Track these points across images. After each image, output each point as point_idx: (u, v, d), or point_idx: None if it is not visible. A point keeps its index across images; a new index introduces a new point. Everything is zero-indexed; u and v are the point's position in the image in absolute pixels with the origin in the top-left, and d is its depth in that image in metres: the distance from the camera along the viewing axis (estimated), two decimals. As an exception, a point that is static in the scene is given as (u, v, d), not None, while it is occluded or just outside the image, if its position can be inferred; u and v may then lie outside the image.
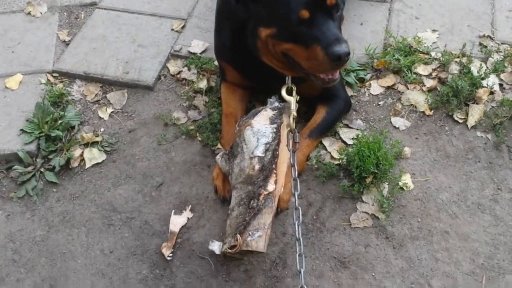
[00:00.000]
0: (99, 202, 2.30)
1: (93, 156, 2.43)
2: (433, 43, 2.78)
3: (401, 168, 2.33)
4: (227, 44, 2.35)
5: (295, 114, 2.13)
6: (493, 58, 2.67)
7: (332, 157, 2.35)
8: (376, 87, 2.62)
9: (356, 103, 2.59)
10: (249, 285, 2.05)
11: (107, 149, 2.47)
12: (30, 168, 2.38)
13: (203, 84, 2.62)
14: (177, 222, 2.22)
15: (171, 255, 2.12)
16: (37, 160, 2.41)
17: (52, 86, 2.66)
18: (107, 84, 2.70)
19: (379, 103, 2.58)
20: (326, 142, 2.40)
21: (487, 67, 2.62)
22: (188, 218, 2.23)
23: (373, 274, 2.05)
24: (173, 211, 2.23)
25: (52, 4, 3.10)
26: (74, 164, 2.41)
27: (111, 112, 2.60)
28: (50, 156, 2.41)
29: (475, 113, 2.46)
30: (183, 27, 2.92)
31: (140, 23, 2.96)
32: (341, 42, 1.94)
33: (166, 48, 2.81)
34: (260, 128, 2.08)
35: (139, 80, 2.68)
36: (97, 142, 2.47)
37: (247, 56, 2.24)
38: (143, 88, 2.67)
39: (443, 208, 2.21)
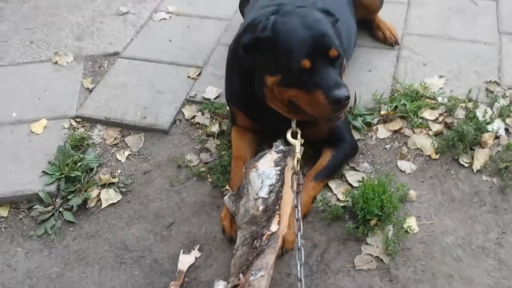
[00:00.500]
0: (113, 241, 2.40)
1: (109, 196, 2.55)
2: (439, 88, 2.85)
3: (406, 211, 2.37)
4: (236, 91, 2.48)
5: (299, 157, 2.21)
6: (499, 103, 2.72)
7: (338, 199, 2.41)
8: (383, 131, 2.69)
9: (363, 146, 2.66)
10: None
11: (123, 189, 2.58)
12: (49, 208, 2.51)
13: (215, 128, 2.74)
14: (185, 261, 2.29)
15: (178, 292, 2.20)
16: (57, 200, 2.53)
17: (74, 131, 2.81)
18: (126, 128, 2.84)
19: (386, 146, 2.65)
20: (332, 184, 2.47)
21: (492, 112, 2.67)
22: (196, 257, 2.30)
23: (376, 316, 2.08)
24: (182, 250, 2.31)
25: (77, 54, 3.30)
26: (91, 204, 2.53)
27: (128, 155, 2.73)
28: (69, 197, 2.53)
29: (481, 157, 2.50)
30: (198, 75, 3.07)
31: (159, 71, 3.12)
32: (341, 87, 2.05)
33: (182, 94, 2.95)
34: (265, 170, 2.17)
35: (155, 124, 2.81)
36: (113, 183, 2.59)
37: (255, 102, 2.36)
38: (159, 132, 2.80)
39: (447, 251, 2.23)
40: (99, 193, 2.55)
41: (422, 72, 2.97)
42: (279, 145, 2.27)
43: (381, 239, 2.24)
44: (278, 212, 2.10)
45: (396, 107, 2.74)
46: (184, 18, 3.53)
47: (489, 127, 2.58)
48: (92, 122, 2.88)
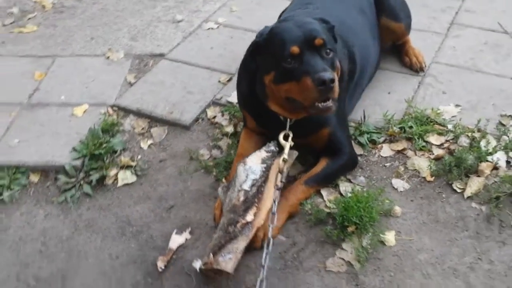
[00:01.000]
0: (119, 215, 2.67)
1: (125, 177, 2.83)
2: (452, 116, 2.90)
3: (388, 225, 2.46)
4: (245, 94, 2.69)
5: (285, 157, 2.39)
6: (508, 136, 2.74)
7: (326, 206, 2.54)
8: (386, 150, 2.79)
9: (364, 161, 2.77)
10: None
11: (138, 173, 2.86)
12: (72, 180, 2.83)
13: (229, 129, 2.97)
14: (176, 240, 2.51)
15: (163, 267, 2.41)
16: (80, 174, 2.85)
17: (108, 117, 3.14)
18: (154, 120, 3.13)
19: (386, 164, 2.75)
20: (324, 191, 2.60)
21: (498, 143, 2.70)
22: (186, 239, 2.51)
23: (333, 315, 2.19)
24: (175, 231, 2.53)
25: (128, 52, 3.66)
26: (109, 181, 2.82)
27: (150, 144, 3.00)
28: (91, 172, 2.84)
29: (474, 184, 2.54)
30: (228, 80, 3.31)
31: (194, 73, 3.40)
32: (326, 70, 2.22)
33: (209, 96, 3.21)
34: (251, 165, 2.36)
35: (179, 120, 3.08)
36: (131, 166, 2.87)
37: (260, 105, 2.56)
38: (182, 127, 3.06)
39: (418, 267, 2.30)
40: (117, 173, 2.84)
41: (439, 100, 3.04)
42: (270, 145, 2.46)
43: (356, 246, 2.35)
44: (256, 205, 2.28)
45: (403, 128, 2.83)
46: (230, 29, 3.81)
47: (490, 158, 2.61)
48: (126, 111, 3.20)
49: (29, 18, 4.17)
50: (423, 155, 2.73)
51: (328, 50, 2.31)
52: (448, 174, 2.61)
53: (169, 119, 3.09)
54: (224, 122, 3.03)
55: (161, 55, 3.60)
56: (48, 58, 3.68)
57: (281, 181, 2.34)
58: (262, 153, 2.41)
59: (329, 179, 2.62)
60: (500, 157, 2.62)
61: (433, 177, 2.63)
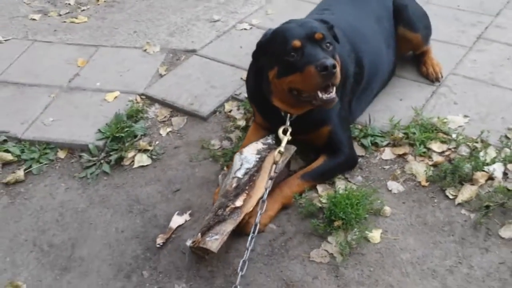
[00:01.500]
0: (131, 193, 2.89)
1: (141, 159, 3.06)
2: (459, 126, 2.94)
3: (375, 223, 2.55)
4: (252, 90, 2.85)
5: (281, 150, 2.53)
6: (509, 149, 2.75)
7: (319, 201, 2.66)
8: (388, 153, 2.87)
9: (365, 163, 2.86)
10: (210, 283, 2.42)
11: (154, 157, 3.07)
12: (94, 158, 3.08)
13: (241, 122, 3.13)
14: (177, 221, 2.70)
15: (161, 244, 2.60)
16: (102, 153, 3.10)
17: (135, 104, 3.38)
18: (176, 110, 3.34)
19: (385, 167, 2.83)
20: (320, 187, 2.72)
21: (499, 155, 2.72)
22: (186, 220, 2.70)
23: (309, 301, 2.31)
24: (177, 212, 2.72)
25: (164, 46, 3.90)
26: (126, 162, 3.05)
27: (169, 131, 3.22)
28: (111, 153, 3.09)
29: (466, 192, 2.58)
30: (250, 78, 3.49)
31: (220, 70, 3.60)
32: (328, 58, 2.34)
33: (230, 91, 3.39)
34: (247, 155, 2.52)
35: (198, 111, 3.28)
36: (148, 150, 3.09)
37: (266, 101, 2.71)
38: (199, 117, 3.26)
39: (398, 265, 2.38)
40: (135, 155, 3.07)
41: (449, 109, 3.08)
42: (268, 138, 2.61)
43: (340, 240, 2.45)
44: (246, 192, 2.44)
45: (407, 134, 2.90)
46: (262, 30, 3.96)
47: (487, 168, 2.65)
48: (152, 100, 3.44)
49: (82, 10, 4.52)
50: (422, 160, 2.79)
51: (328, 44, 2.46)
52: (443, 181, 2.66)
53: (189, 110, 3.30)
54: (238, 116, 3.20)
55: (193, 51, 3.82)
56: (92, 47, 3.99)
57: (274, 172, 2.48)
58: (258, 145, 2.56)
59: (325, 176, 2.73)
60: (497, 168, 2.64)
61: (428, 182, 2.69)
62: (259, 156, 2.51)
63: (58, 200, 2.93)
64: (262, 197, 2.45)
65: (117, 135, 3.13)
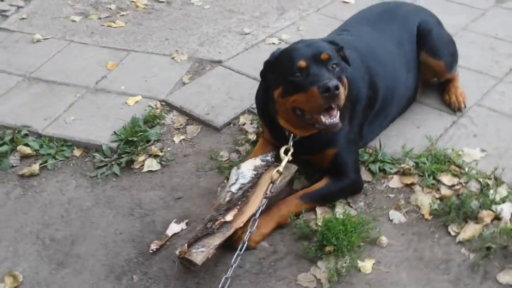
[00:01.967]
0: (135, 197, 2.93)
1: (151, 164, 3.09)
2: (473, 160, 2.82)
3: (370, 253, 2.47)
4: (260, 107, 2.84)
5: (280, 169, 2.50)
6: (523, 189, 2.62)
7: (315, 223, 2.61)
8: (396, 181, 2.79)
9: (370, 189, 2.79)
10: None
11: (163, 163, 3.11)
12: (106, 159, 3.15)
13: (252, 136, 3.13)
14: (173, 229, 2.72)
15: (155, 250, 2.62)
16: (114, 155, 3.16)
17: (154, 110, 3.44)
18: (192, 118, 3.37)
19: (390, 195, 2.75)
20: (319, 210, 2.67)
21: (510, 194, 2.59)
22: (182, 229, 2.71)
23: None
24: (174, 220, 2.74)
25: (191, 55, 3.95)
26: (136, 166, 3.10)
27: (182, 139, 3.25)
28: (123, 155, 3.14)
29: (469, 230, 2.47)
30: (269, 92, 3.47)
31: (240, 82, 3.61)
32: (331, 79, 2.31)
33: (247, 104, 3.39)
34: (244, 170, 2.51)
35: (213, 121, 3.29)
36: (159, 156, 3.13)
37: (272, 119, 2.70)
38: (213, 128, 3.28)
39: (386, 299, 2.30)
40: (145, 159, 3.11)
41: (467, 142, 2.96)
42: (268, 155, 2.59)
43: (330, 267, 2.39)
44: (238, 207, 2.43)
45: (417, 163, 2.81)
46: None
47: (494, 207, 2.52)
48: (171, 107, 3.48)
49: (121, 15, 4.64)
50: (429, 192, 2.69)
51: (334, 65, 2.43)
52: (447, 216, 2.56)
53: (204, 119, 3.32)
54: (250, 129, 3.20)
55: (219, 62, 3.85)
56: (124, 51, 4.09)
57: (270, 191, 2.46)
58: (257, 161, 2.55)
59: (325, 199, 2.68)
60: (505, 208, 2.52)
61: (432, 216, 2.59)
62: (255, 172, 2.50)
63: (67, 197, 3.00)
64: (254, 214, 2.43)
65: (131, 138, 3.18)
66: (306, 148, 2.68)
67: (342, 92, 2.35)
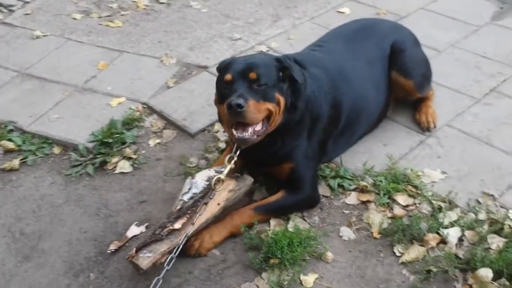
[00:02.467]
0: (103, 197, 3.05)
1: (123, 166, 3.20)
2: (432, 182, 2.85)
3: (314, 267, 2.54)
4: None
5: (222, 177, 2.59)
6: (475, 215, 2.64)
7: (267, 235, 2.67)
8: (353, 198, 2.84)
9: (327, 204, 2.85)
10: None
11: (135, 165, 3.22)
12: (82, 159, 3.27)
13: (222, 144, 3.21)
14: (133, 231, 2.83)
15: (113, 250, 2.74)
16: (89, 155, 3.28)
17: (134, 112, 3.55)
18: (169, 123, 3.47)
19: (345, 211, 2.80)
20: (273, 222, 2.74)
21: (461, 219, 2.61)
22: (141, 232, 2.82)
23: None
24: (136, 222, 2.85)
25: (180, 59, 4.05)
26: (109, 167, 3.22)
27: (157, 143, 3.35)
28: (98, 156, 3.26)
29: (413, 252, 2.51)
30: (246, 101, 3.54)
31: (222, 89, 3.68)
32: (239, 98, 2.42)
33: (223, 112, 3.47)
34: (197, 181, 2.59)
35: (188, 127, 3.38)
36: (132, 158, 3.24)
37: None
38: (188, 134, 3.37)
39: (322, 314, 2.37)
40: (118, 161, 3.23)
41: (430, 163, 2.99)
42: (222, 167, 2.66)
43: (273, 279, 2.47)
44: (187, 216, 2.51)
45: (375, 181, 2.85)
46: (278, 54, 4.01)
47: (442, 230, 2.55)
48: (152, 110, 3.58)
49: (121, 15, 4.75)
50: (383, 211, 2.74)
51: (261, 85, 2.51)
52: (394, 236, 2.60)
53: (180, 125, 3.42)
54: (222, 137, 3.27)
55: (205, 67, 3.94)
56: (116, 52, 4.21)
57: (209, 197, 2.55)
58: (211, 172, 2.63)
59: (280, 212, 2.75)
60: (452, 233, 2.54)
61: (380, 235, 2.64)
62: (208, 183, 2.58)
63: (41, 193, 3.14)
64: (205, 223, 2.53)
65: (106, 140, 3.30)
66: (264, 160, 2.75)
67: (250, 111, 2.44)
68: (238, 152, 2.62)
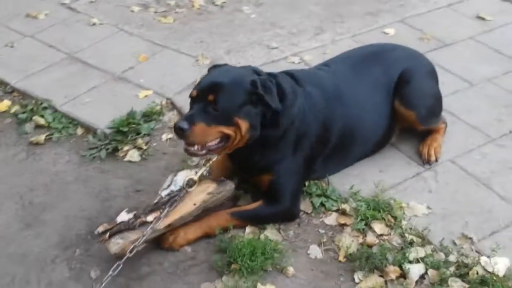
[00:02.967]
0: (107, 182, 3.27)
1: (133, 155, 3.42)
2: (414, 215, 2.82)
3: (274, 280, 2.61)
4: None
5: (195, 178, 2.72)
6: (444, 256, 2.59)
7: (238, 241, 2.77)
8: (332, 219, 2.87)
9: (306, 220, 2.90)
10: (114, 280, 2.66)
11: (144, 156, 3.42)
12: (98, 143, 3.52)
13: (223, 148, 3.33)
14: (122, 217, 2.96)
15: (100, 232, 2.93)
16: (105, 140, 3.53)
17: (156, 106, 3.76)
18: (186, 121, 3.65)
19: (321, 230, 2.84)
20: (249, 229, 2.83)
21: (428, 257, 2.58)
22: (129, 219, 3.00)
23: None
24: (126, 209, 3.02)
25: (214, 61, 4.17)
26: (120, 154, 3.44)
27: (169, 138, 3.53)
28: (112, 142, 3.50)
29: (370, 281, 2.52)
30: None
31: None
32: (184, 120, 2.56)
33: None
34: (178, 179, 2.74)
35: (199, 127, 3.54)
36: (142, 149, 3.45)
37: None
38: (198, 133, 3.53)
39: (269, 326, 2.44)
40: (129, 150, 3.45)
41: (418, 196, 2.94)
42: (203, 169, 2.78)
43: (231, 284, 2.56)
44: (161, 210, 2.67)
45: (356, 206, 2.86)
46: (307, 67, 4.08)
47: (406, 265, 2.53)
48: (173, 106, 3.77)
49: (175, 12, 5.00)
50: (356, 236, 2.75)
51: (218, 108, 2.57)
52: (358, 262, 2.61)
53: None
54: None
55: (237, 71, 4.08)
56: (159, 47, 4.45)
57: (177, 196, 2.69)
58: (191, 172, 2.77)
59: (255, 221, 2.83)
60: (415, 269, 2.52)
61: (345, 259, 2.66)
62: (187, 183, 2.72)
63: (56, 169, 3.42)
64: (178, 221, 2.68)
65: (122, 128, 3.53)
66: (247, 168, 2.86)
67: (194, 135, 2.56)
68: (216, 157, 2.75)
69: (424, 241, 2.67)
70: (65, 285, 2.72)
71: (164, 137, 3.55)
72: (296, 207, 2.87)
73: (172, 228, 2.76)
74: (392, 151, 3.25)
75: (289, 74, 2.91)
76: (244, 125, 2.61)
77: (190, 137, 2.57)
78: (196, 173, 2.77)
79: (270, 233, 2.81)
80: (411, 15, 4.74)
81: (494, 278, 2.46)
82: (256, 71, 2.76)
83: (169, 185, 2.74)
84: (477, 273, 2.48)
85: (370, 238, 2.73)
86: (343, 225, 2.84)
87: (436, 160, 3.13)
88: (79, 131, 3.66)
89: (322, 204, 2.93)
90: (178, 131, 2.56)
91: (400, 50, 3.27)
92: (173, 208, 2.69)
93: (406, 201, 2.90)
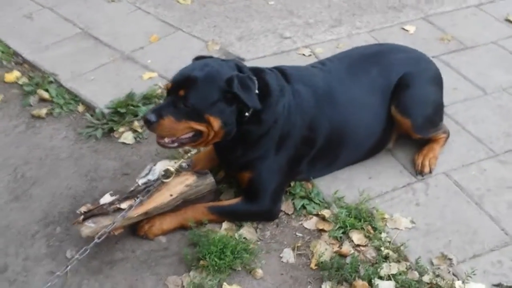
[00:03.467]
0: (98, 162, 3.29)
1: (127, 137, 3.42)
2: (395, 228, 2.72)
3: (241, 280, 2.58)
4: None
5: (171, 169, 2.71)
6: (420, 274, 2.49)
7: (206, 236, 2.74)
8: (311, 223, 2.80)
9: (285, 221, 2.84)
10: (87, 263, 2.70)
11: (138, 139, 3.42)
12: (96, 122, 3.53)
13: (215, 139, 3.29)
14: (106, 199, 2.97)
15: (82, 212, 2.96)
16: (103, 120, 3.54)
17: (158, 88, 3.73)
18: (184, 106, 3.62)
19: (298, 234, 2.78)
20: (226, 225, 2.79)
21: (401, 274, 2.49)
22: (105, 203, 3.01)
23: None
24: (111, 192, 3.02)
25: (223, 47, 4.15)
26: (115, 135, 3.45)
27: (165, 123, 3.52)
28: (109, 122, 3.51)
29: (335, 293, 2.45)
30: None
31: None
32: (151, 113, 2.53)
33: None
34: (155, 168, 2.72)
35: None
36: (137, 131, 3.45)
37: None
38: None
39: (226, 325, 2.42)
40: (124, 131, 3.45)
41: (405, 208, 2.84)
42: (183, 162, 2.75)
43: (196, 280, 2.55)
44: (135, 199, 2.66)
45: (337, 213, 2.79)
46: (316, 60, 3.96)
47: (376, 281, 2.45)
48: (175, 91, 3.75)
49: (195, -7, 4.94)
50: (332, 244, 2.68)
51: (188, 104, 2.51)
52: (329, 272, 2.54)
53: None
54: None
55: (242, 60, 4.00)
56: (173, 28, 4.41)
57: (152, 185, 2.68)
58: (170, 163, 2.74)
59: (233, 217, 2.80)
60: (384, 286, 2.43)
61: (317, 267, 2.59)
62: (163, 174, 2.70)
63: (52, 144, 3.46)
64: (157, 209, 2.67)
65: (119, 109, 3.53)
66: (229, 164, 2.82)
67: (161, 129, 2.53)
68: (196, 151, 2.72)
69: (400, 257, 2.58)
70: (40, 261, 2.76)
71: (161, 121, 3.54)
72: (276, 208, 2.81)
73: (149, 217, 2.76)
74: (386, 157, 3.14)
75: (280, 70, 2.83)
76: (216, 122, 2.54)
77: (157, 130, 2.54)
78: (175, 163, 2.74)
79: (247, 231, 2.77)
80: (436, 13, 4.55)
81: (466, 305, 2.37)
82: (239, 66, 2.67)
83: (147, 174, 2.73)
84: (449, 297, 2.39)
85: (346, 248, 2.65)
86: (321, 231, 2.77)
87: (430, 172, 3.01)
88: (80, 108, 3.68)
89: (303, 207, 2.87)
90: (146, 122, 2.53)
91: (403, 52, 3.12)
92: (148, 197, 2.68)
93: (390, 213, 2.81)
